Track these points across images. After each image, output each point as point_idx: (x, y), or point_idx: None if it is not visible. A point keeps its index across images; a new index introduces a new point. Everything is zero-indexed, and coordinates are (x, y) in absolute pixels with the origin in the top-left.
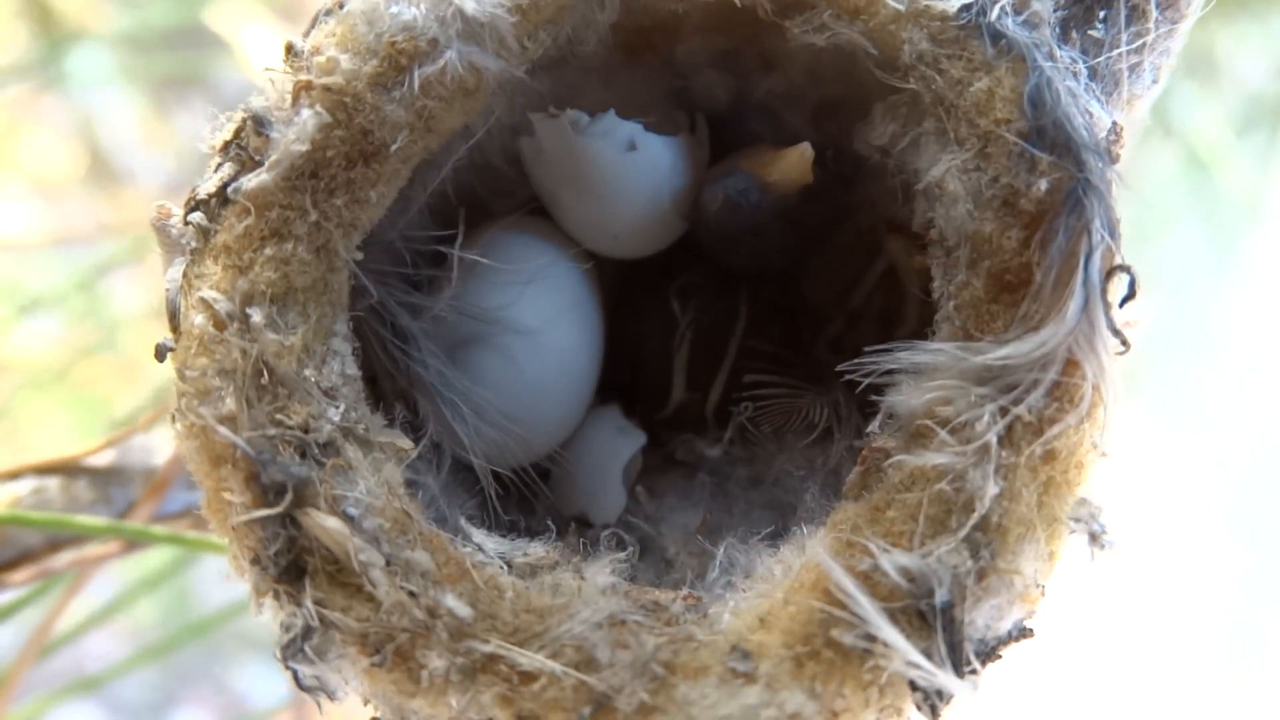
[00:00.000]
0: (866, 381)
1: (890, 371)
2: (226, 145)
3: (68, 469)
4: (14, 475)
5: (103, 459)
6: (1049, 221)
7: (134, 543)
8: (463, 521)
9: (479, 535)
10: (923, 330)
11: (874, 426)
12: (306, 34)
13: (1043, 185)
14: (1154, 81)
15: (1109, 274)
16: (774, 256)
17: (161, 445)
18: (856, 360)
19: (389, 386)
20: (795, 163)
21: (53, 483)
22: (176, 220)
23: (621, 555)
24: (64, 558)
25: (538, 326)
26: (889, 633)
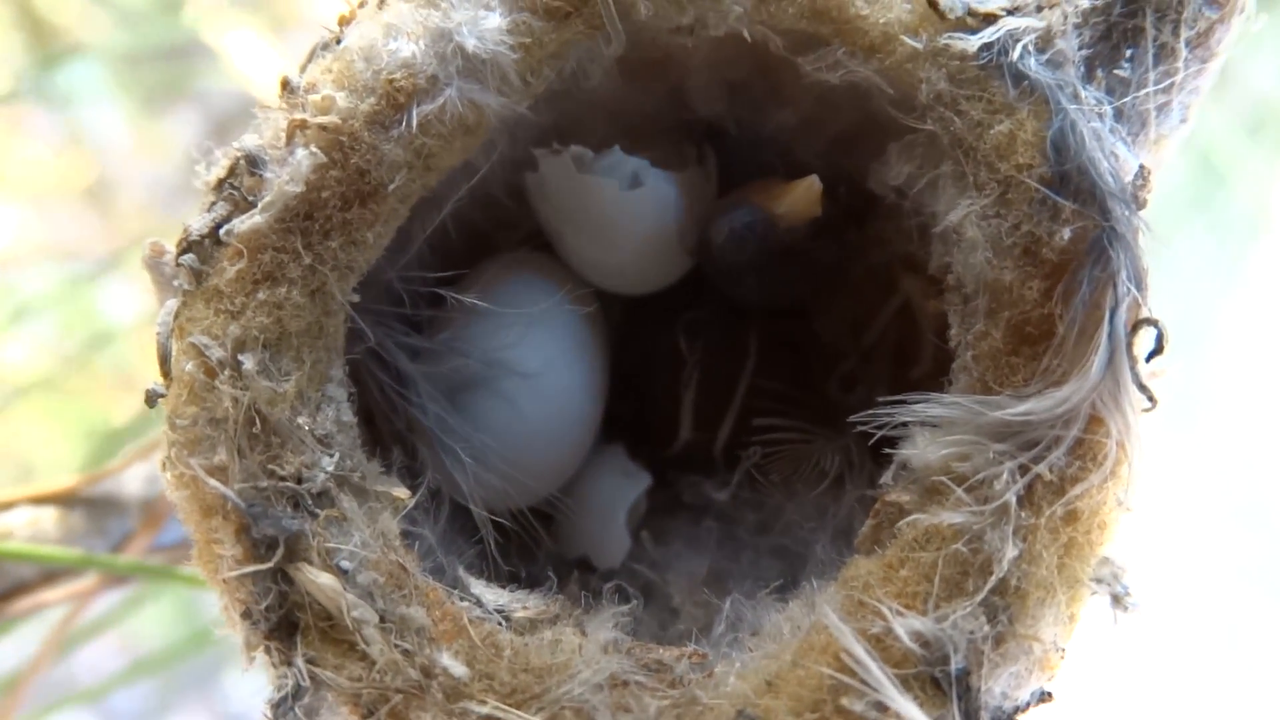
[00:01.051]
0: (881, 433)
1: (905, 423)
2: (220, 184)
3: (63, 499)
4: (8, 506)
5: (99, 489)
6: (1072, 272)
7: (130, 576)
8: (461, 572)
9: (478, 586)
10: (938, 369)
11: (887, 478)
12: (302, 69)
13: (1066, 234)
14: (1183, 121)
15: (1135, 328)
16: (782, 291)
17: (157, 476)
18: (869, 411)
19: (387, 430)
20: (803, 195)
21: (48, 514)
22: (169, 259)
23: (624, 609)
24: (59, 590)
25: (540, 368)
26: (901, 703)
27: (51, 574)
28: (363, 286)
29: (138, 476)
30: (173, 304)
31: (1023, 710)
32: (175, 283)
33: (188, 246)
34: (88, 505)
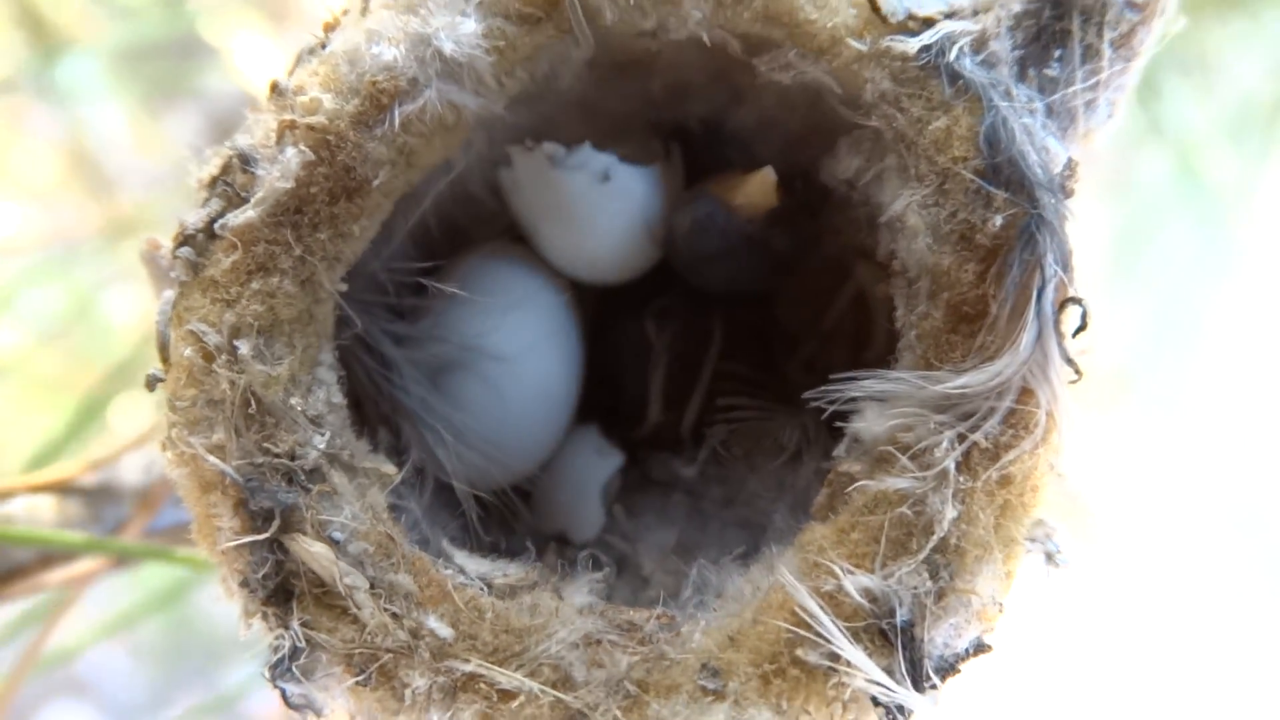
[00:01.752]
0: (834, 408)
1: (855, 398)
2: (214, 181)
3: (60, 488)
4: (8, 494)
5: (94, 478)
6: (1004, 256)
7: (124, 559)
8: (445, 544)
9: (460, 557)
10: (890, 350)
11: (840, 450)
12: (290, 73)
13: (998, 221)
14: (1109, 116)
15: (1062, 306)
16: (743, 278)
17: (151, 464)
18: (823, 388)
19: (373, 413)
20: (759, 187)
21: (45, 501)
22: (165, 253)
23: (599, 575)
24: (56, 574)
25: (517, 352)
26: (852, 651)
27: (49, 559)
28: (350, 276)
29: (132, 465)
30: (170, 294)
31: (962, 658)
32: (172, 274)
33: (184, 240)
34: (84, 493)
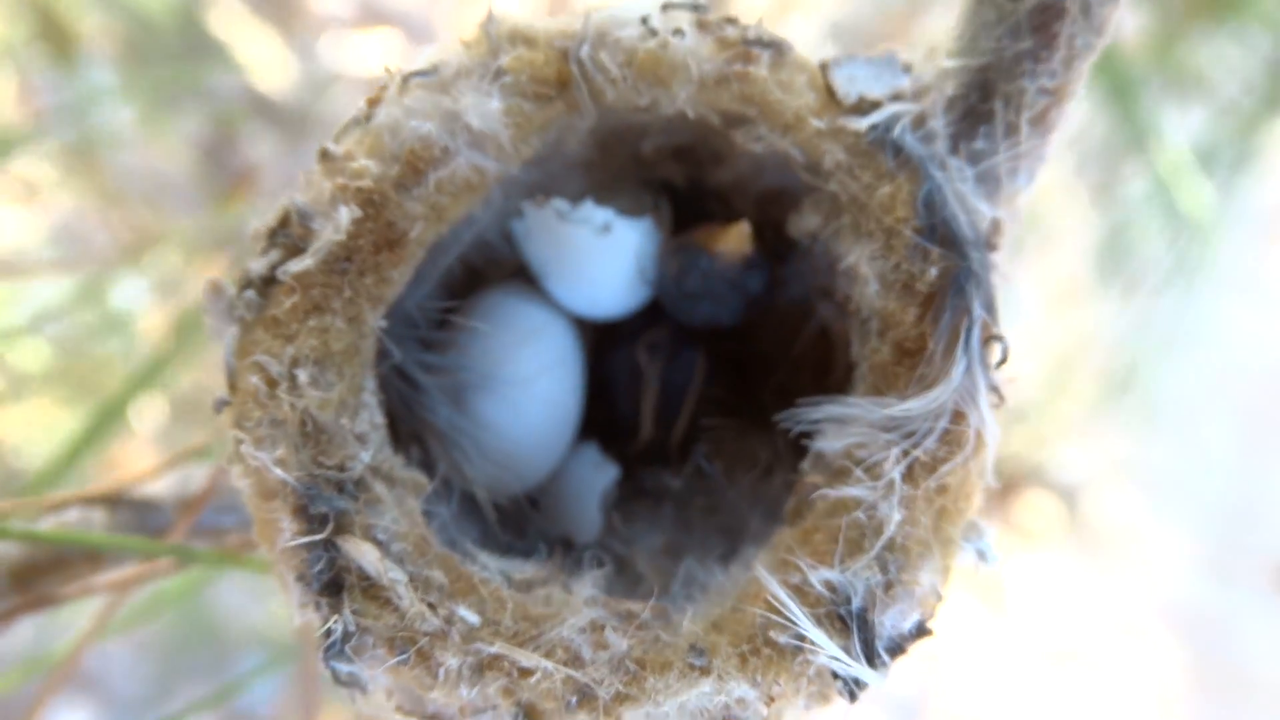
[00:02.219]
0: (799, 428)
1: (818, 420)
2: (273, 232)
3: (110, 499)
4: (61, 505)
5: (139, 491)
6: (938, 301)
7: (168, 564)
8: (469, 545)
9: (483, 556)
10: (849, 376)
11: (806, 465)
12: (338, 139)
13: (933, 272)
14: (1030, 181)
15: (986, 342)
16: (722, 314)
17: (189, 477)
18: (791, 410)
19: (406, 431)
20: (736, 237)
21: (96, 512)
22: (227, 295)
23: (600, 572)
24: (104, 578)
25: (529, 378)
26: (815, 633)
27: (98, 563)
28: (388, 314)
29: (173, 479)
30: (235, 330)
31: (908, 639)
32: (235, 313)
33: (249, 284)
34: (130, 504)
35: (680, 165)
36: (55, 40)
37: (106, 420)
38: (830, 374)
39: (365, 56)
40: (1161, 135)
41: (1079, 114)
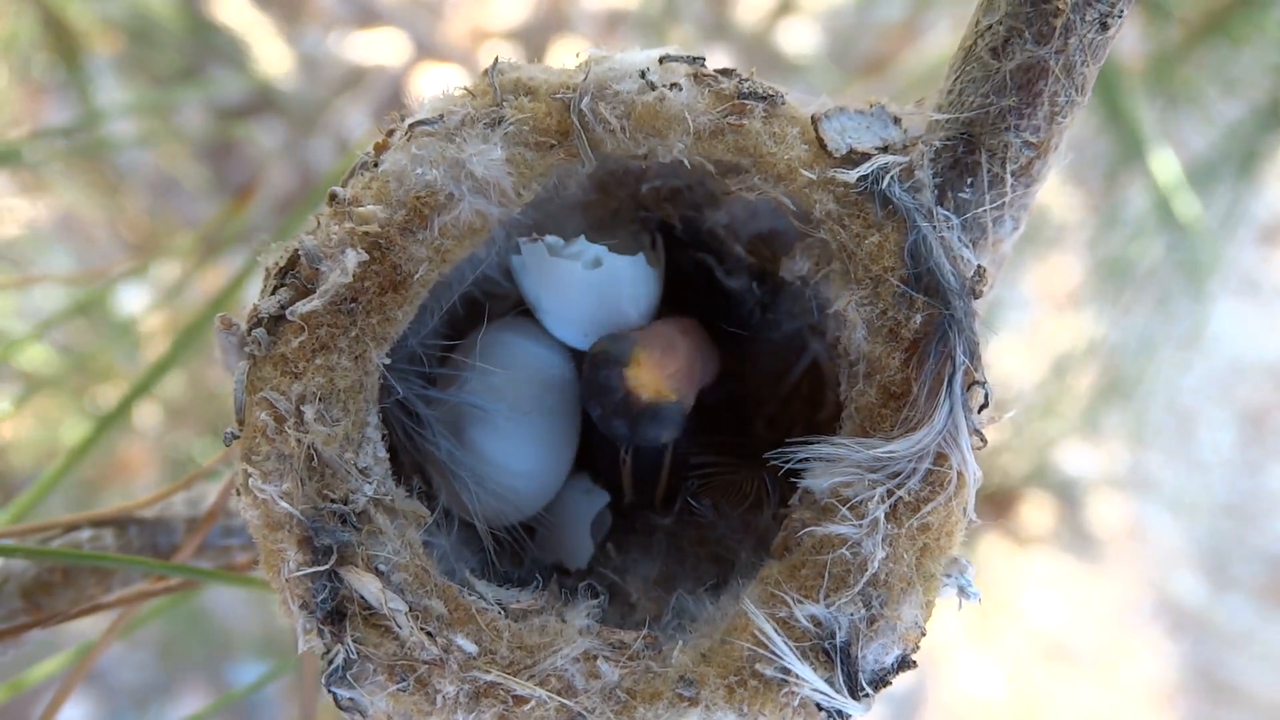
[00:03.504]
0: (788, 466)
1: (806, 459)
2: (282, 272)
3: (120, 520)
4: (73, 526)
5: (149, 512)
6: (922, 347)
7: (176, 583)
8: (468, 574)
9: (481, 586)
10: (838, 412)
11: (794, 501)
12: (345, 183)
13: (918, 319)
14: (1015, 229)
15: (969, 387)
16: (624, 440)
17: (198, 499)
18: (781, 449)
19: (408, 463)
20: (653, 378)
21: (107, 532)
22: (238, 331)
23: (594, 602)
24: (113, 595)
25: (529, 412)
26: (800, 667)
27: (109, 582)
28: (392, 352)
29: (181, 501)
30: (244, 366)
31: (890, 672)
32: (245, 349)
33: (258, 322)
34: (139, 524)
35: (676, 207)
36: (60, 39)
37: (106, 426)
38: (820, 408)
39: (370, 52)
40: (1161, 147)
41: (1081, 126)
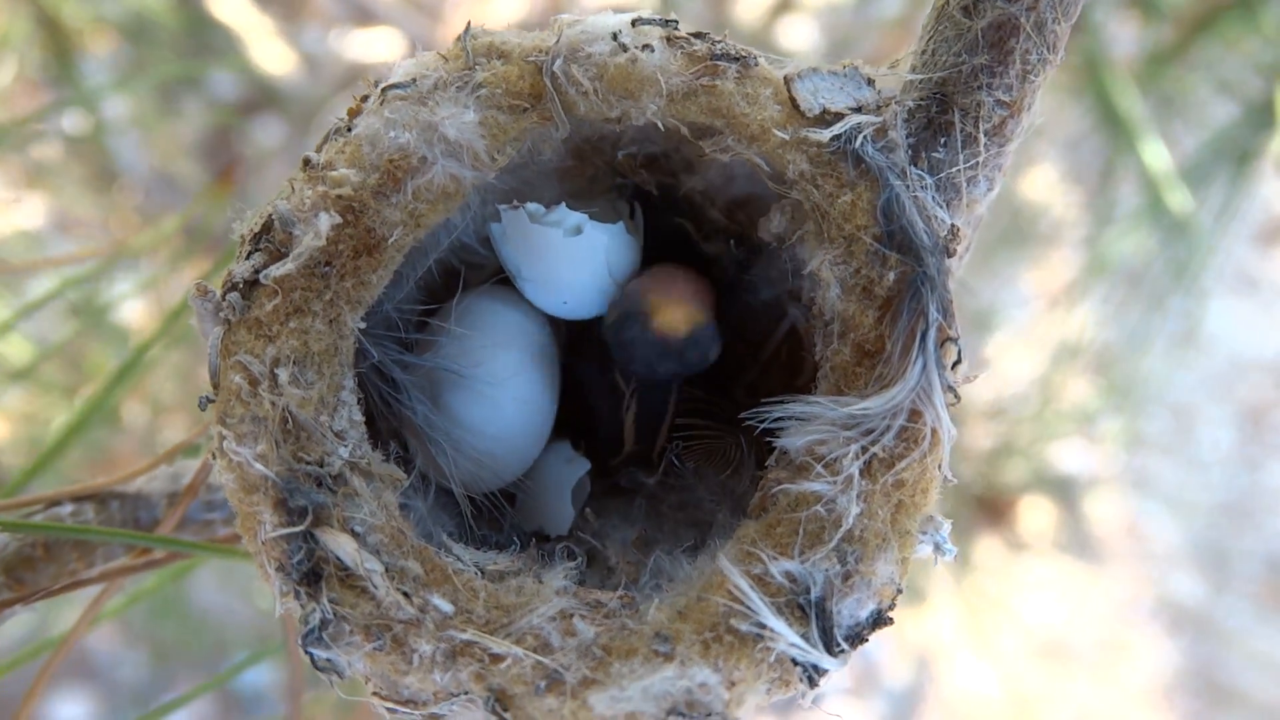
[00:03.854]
0: (764, 425)
1: (782, 419)
2: (256, 237)
3: (101, 495)
4: (54, 502)
5: (130, 486)
6: (895, 305)
7: (157, 556)
8: (445, 538)
9: (458, 549)
10: (815, 383)
11: (771, 461)
12: (319, 148)
13: (891, 277)
14: (989, 189)
15: (943, 344)
16: (661, 374)
17: (179, 474)
18: (756, 410)
19: (385, 428)
20: (674, 317)
21: (88, 506)
22: (213, 297)
23: (572, 564)
24: (95, 570)
25: (505, 377)
26: (775, 621)
27: (90, 556)
28: (367, 316)
29: (162, 476)
30: (219, 331)
31: (866, 628)
32: (220, 315)
33: (233, 287)
34: (121, 499)
35: (653, 173)
36: (55, 38)
37: (91, 414)
38: (800, 373)
39: (368, 48)
40: (1154, 142)
41: (1074, 122)
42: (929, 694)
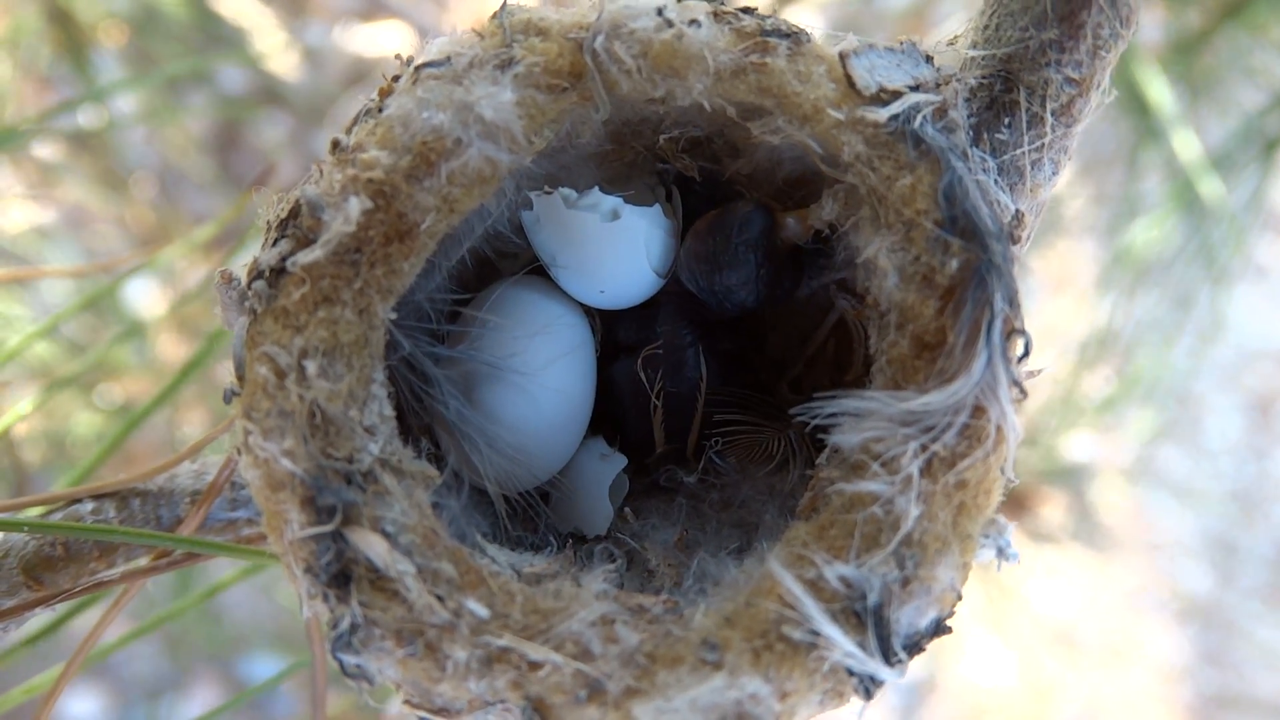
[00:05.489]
0: (815, 422)
1: (834, 414)
2: (283, 223)
3: (122, 493)
4: (74, 500)
5: (152, 484)
6: (959, 294)
7: (180, 557)
8: (479, 538)
9: (492, 550)
10: (868, 373)
11: (822, 459)
12: (348, 130)
13: (954, 264)
14: (1054, 174)
15: (1009, 336)
16: (747, 292)
17: (202, 471)
18: (807, 404)
19: (416, 424)
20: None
21: (109, 504)
22: (238, 284)
23: (611, 566)
24: (116, 571)
25: (540, 370)
26: (829, 629)
27: (110, 555)
28: (398, 307)
29: (185, 474)
30: (244, 321)
31: (925, 637)
32: (245, 304)
33: (259, 275)
34: (142, 497)
35: (695, 158)
36: (65, 33)
37: (134, 424)
38: (848, 370)
39: (378, 45)
40: (1179, 132)
41: (1098, 113)
42: (939, 684)
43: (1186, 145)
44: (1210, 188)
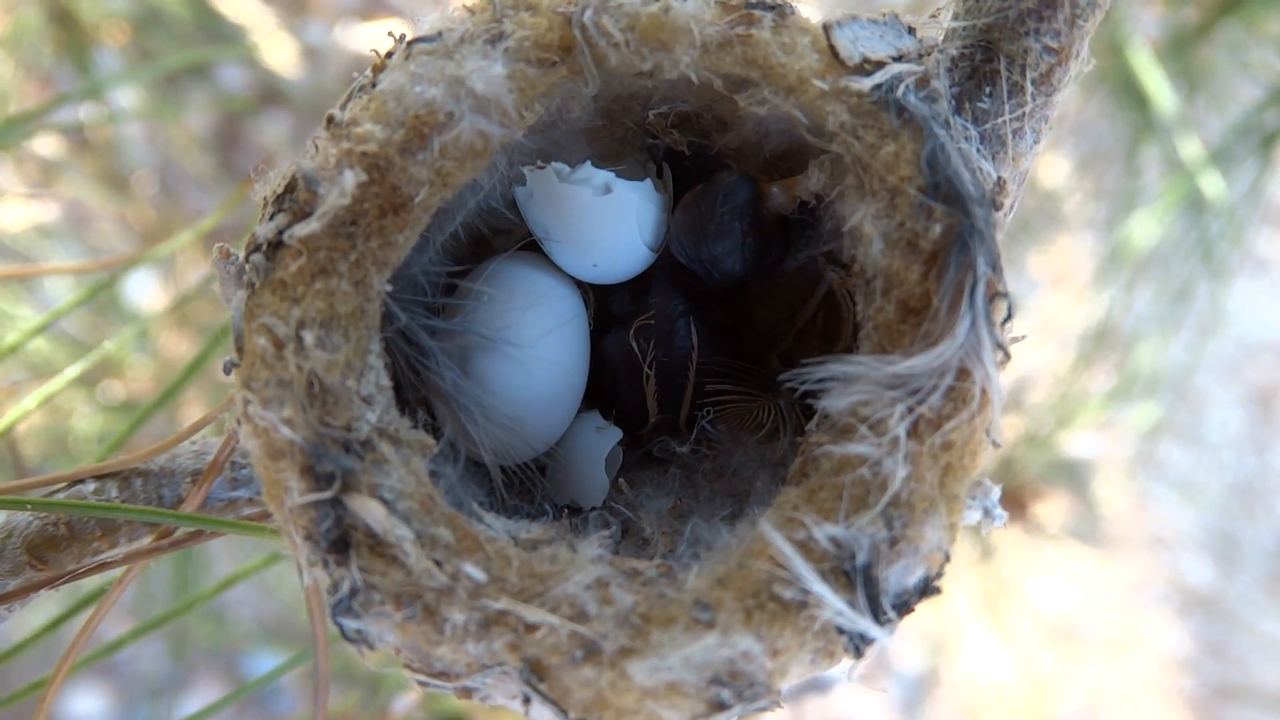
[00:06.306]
0: (804, 388)
1: (823, 380)
2: (280, 197)
3: (124, 473)
4: (76, 480)
5: (153, 464)
6: (942, 259)
7: (182, 536)
8: (475, 506)
9: (489, 517)
10: (856, 345)
11: (811, 425)
12: (343, 105)
13: (937, 229)
14: (1035, 142)
15: (992, 299)
16: (734, 261)
17: (203, 451)
18: (796, 370)
19: (412, 395)
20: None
21: (111, 484)
22: (236, 259)
23: (606, 533)
24: (119, 551)
25: (534, 342)
26: (819, 588)
27: (113, 536)
28: (394, 279)
29: (186, 453)
30: (242, 294)
31: (913, 595)
32: (243, 278)
33: (256, 248)
34: (144, 477)
35: (685, 133)
36: (67, 32)
37: (139, 422)
38: (836, 342)
39: (374, 41)
40: (1177, 126)
41: (1094, 105)
42: (941, 679)
43: (1187, 141)
44: (1209, 182)
